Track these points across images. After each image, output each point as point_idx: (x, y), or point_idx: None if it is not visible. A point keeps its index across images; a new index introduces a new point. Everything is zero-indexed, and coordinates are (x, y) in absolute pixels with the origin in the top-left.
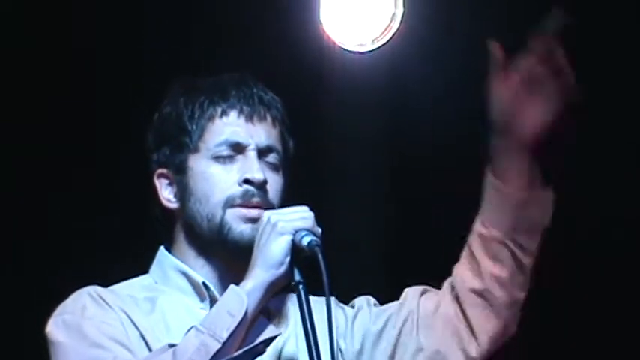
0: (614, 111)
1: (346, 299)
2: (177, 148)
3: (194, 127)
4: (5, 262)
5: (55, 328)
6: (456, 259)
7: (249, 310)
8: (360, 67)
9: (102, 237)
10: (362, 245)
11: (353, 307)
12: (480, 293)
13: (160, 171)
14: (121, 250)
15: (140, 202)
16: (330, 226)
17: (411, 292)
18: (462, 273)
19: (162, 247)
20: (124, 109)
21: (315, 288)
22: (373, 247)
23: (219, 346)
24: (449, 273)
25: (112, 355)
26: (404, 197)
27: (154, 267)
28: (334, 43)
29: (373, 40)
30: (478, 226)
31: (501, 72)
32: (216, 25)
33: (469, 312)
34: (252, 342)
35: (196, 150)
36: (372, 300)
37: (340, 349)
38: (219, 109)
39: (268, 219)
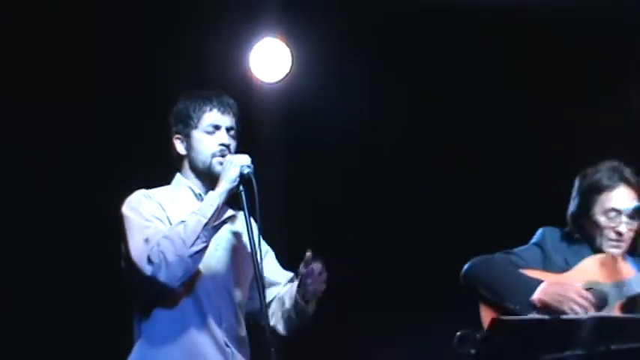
0: None
1: None
2: (186, 125)
3: (195, 115)
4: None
5: (126, 210)
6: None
7: (220, 203)
8: (270, 91)
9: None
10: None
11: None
12: (278, 300)
13: (176, 136)
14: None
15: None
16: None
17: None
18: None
19: (178, 173)
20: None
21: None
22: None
23: (206, 220)
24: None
25: (154, 226)
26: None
27: (174, 182)
28: (256, 78)
29: (277, 77)
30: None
31: (307, 267)
32: (185, 69)
33: (277, 305)
34: (222, 218)
35: (196, 127)
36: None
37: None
38: (208, 107)
39: (229, 159)
